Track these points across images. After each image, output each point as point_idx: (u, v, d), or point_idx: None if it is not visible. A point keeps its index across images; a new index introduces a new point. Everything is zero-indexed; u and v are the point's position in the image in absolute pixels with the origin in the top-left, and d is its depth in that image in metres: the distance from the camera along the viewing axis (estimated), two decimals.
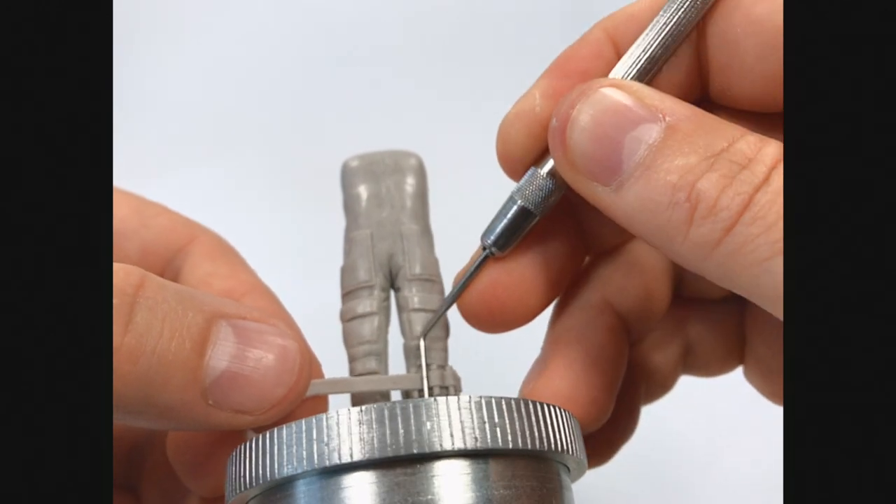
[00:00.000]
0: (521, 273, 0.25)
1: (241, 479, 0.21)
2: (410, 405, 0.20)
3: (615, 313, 0.27)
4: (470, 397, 0.20)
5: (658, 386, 0.30)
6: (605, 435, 0.28)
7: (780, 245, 0.19)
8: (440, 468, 0.20)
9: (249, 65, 0.55)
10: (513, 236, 0.24)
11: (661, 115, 0.21)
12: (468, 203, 0.35)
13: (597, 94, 0.21)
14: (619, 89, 0.21)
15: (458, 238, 0.28)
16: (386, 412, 0.20)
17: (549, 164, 0.24)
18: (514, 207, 0.24)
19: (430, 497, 0.20)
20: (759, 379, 0.30)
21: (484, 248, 0.25)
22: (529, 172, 0.24)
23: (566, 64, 0.24)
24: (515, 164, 0.24)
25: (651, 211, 0.20)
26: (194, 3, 0.56)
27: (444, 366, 0.26)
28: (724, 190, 0.19)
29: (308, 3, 0.56)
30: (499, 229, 0.24)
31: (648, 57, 0.23)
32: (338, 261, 0.27)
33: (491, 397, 0.21)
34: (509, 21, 0.55)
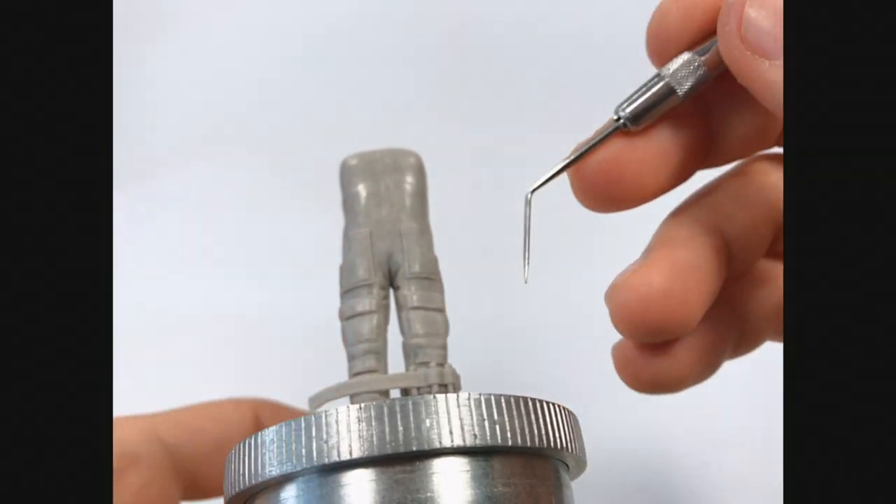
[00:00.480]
0: (647, 151, 0.25)
1: (240, 477, 0.21)
2: (410, 402, 0.20)
3: (722, 237, 0.27)
4: (469, 395, 0.20)
5: (747, 337, 0.30)
6: (685, 366, 0.28)
7: None
8: (439, 466, 0.20)
9: (248, 64, 0.55)
10: (649, 112, 0.25)
11: None
12: (468, 202, 0.35)
13: None
14: None
15: (457, 237, 0.28)
16: (385, 409, 0.20)
17: (705, 48, 0.24)
18: (660, 84, 0.24)
19: (429, 494, 0.20)
20: None
21: (617, 119, 0.25)
22: (684, 55, 0.24)
23: None
24: (667, 43, 0.25)
25: None
26: (194, 4, 0.56)
27: (443, 364, 0.26)
28: None
29: (308, 3, 0.56)
30: (638, 102, 0.24)
31: None
32: (337, 261, 0.27)
33: (490, 395, 0.21)
34: (509, 21, 0.55)
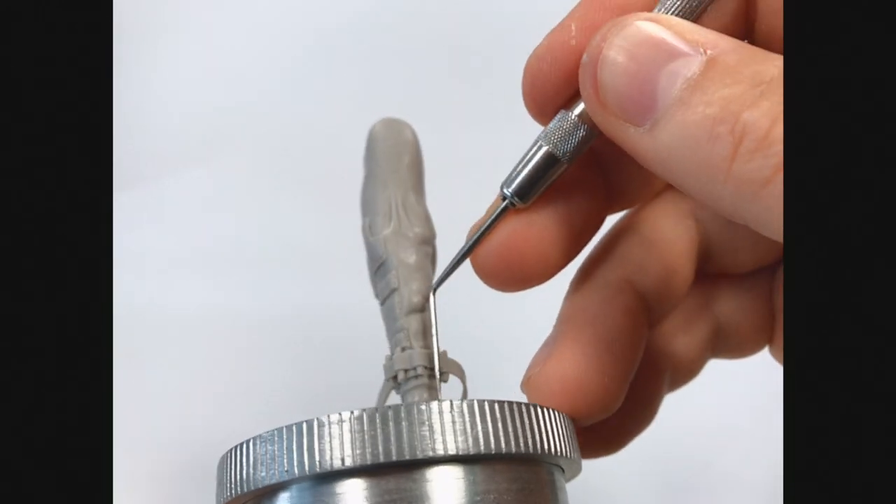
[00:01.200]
0: (543, 225, 0.23)
1: (232, 484, 0.21)
2: (402, 410, 0.20)
3: (635, 293, 0.25)
4: (456, 402, 0.20)
5: (684, 372, 0.28)
6: (621, 423, 0.26)
7: None
8: (433, 473, 0.20)
9: (248, 66, 0.55)
10: (536, 185, 0.22)
11: (701, 49, 0.19)
12: (468, 203, 0.35)
13: (631, 28, 0.19)
14: (655, 22, 0.19)
15: (456, 238, 0.28)
16: (378, 417, 0.20)
17: (581, 106, 0.21)
18: (541, 153, 0.22)
19: (423, 503, 0.20)
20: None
21: (504, 198, 0.23)
22: (559, 115, 0.22)
23: None
24: (544, 104, 0.22)
25: (688, 149, 0.18)
26: (194, 6, 0.56)
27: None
28: (778, 121, 0.17)
29: (307, 5, 0.56)
30: (521, 177, 0.22)
31: None
32: (336, 261, 0.27)
33: (483, 401, 0.21)
34: (509, 21, 0.55)
